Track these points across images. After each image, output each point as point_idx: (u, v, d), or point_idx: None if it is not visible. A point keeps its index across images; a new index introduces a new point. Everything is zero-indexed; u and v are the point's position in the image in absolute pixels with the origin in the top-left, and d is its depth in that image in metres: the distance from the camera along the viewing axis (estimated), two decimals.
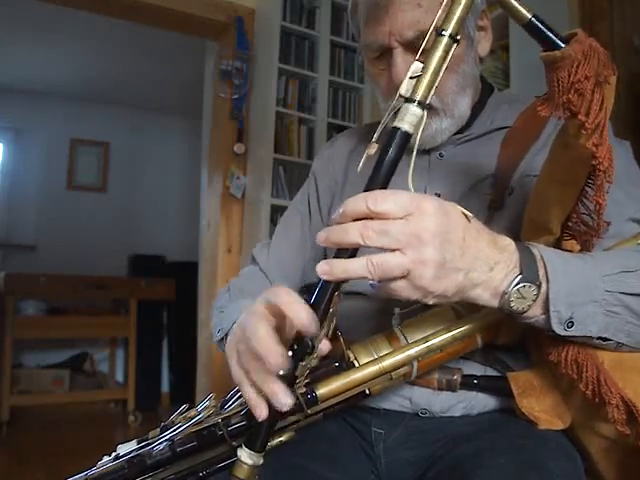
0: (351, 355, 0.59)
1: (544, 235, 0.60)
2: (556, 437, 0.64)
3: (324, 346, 0.52)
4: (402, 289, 0.48)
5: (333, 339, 0.59)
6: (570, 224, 0.59)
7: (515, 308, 0.52)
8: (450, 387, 0.68)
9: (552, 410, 0.63)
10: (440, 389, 0.69)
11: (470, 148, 0.79)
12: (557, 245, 0.60)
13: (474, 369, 0.69)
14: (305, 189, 0.96)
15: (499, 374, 0.68)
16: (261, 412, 0.51)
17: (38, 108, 4.13)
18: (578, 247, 0.60)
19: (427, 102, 0.50)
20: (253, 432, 0.53)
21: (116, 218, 4.34)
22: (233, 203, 2.60)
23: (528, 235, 0.62)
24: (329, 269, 0.48)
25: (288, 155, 2.58)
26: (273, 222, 2.43)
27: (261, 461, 0.53)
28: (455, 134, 0.79)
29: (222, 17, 2.58)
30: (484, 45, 0.79)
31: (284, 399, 0.49)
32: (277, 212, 2.45)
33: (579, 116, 0.51)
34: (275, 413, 0.51)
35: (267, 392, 0.50)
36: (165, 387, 3.95)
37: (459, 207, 0.50)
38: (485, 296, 0.52)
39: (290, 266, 0.90)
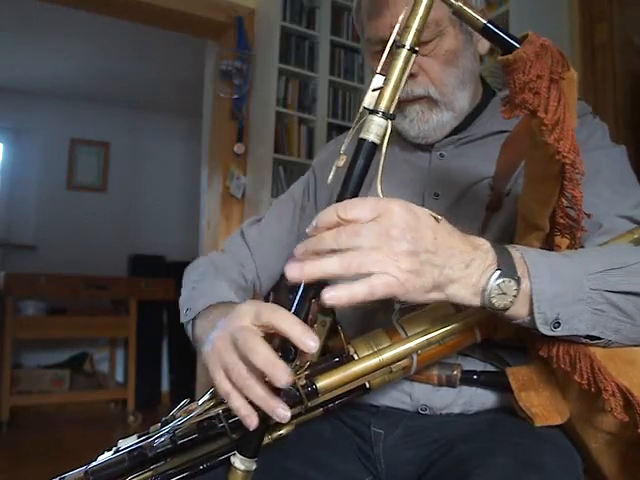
0: (351, 349, 0.60)
1: (535, 231, 0.61)
2: (554, 436, 0.64)
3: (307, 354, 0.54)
4: (380, 287, 0.47)
5: (334, 335, 0.60)
6: (557, 219, 0.59)
7: (497, 305, 0.52)
8: (450, 383, 0.68)
9: (551, 404, 0.63)
10: (440, 385, 0.69)
11: (470, 150, 0.79)
12: (548, 241, 0.61)
13: (474, 366, 0.70)
14: (304, 180, 0.97)
15: (498, 370, 0.69)
16: (252, 422, 0.52)
17: (38, 108, 4.13)
18: (567, 242, 0.61)
19: (390, 112, 0.52)
20: (245, 439, 0.55)
21: (116, 218, 4.34)
22: (233, 203, 2.60)
23: (521, 232, 0.63)
24: (299, 270, 0.47)
25: (288, 155, 2.58)
26: None
27: (254, 466, 0.55)
28: (455, 134, 0.80)
29: (222, 17, 2.58)
30: (483, 44, 0.80)
31: (283, 412, 0.51)
32: None
33: (538, 114, 0.52)
34: (265, 420, 0.53)
35: (265, 408, 0.51)
36: (165, 387, 3.95)
37: (427, 210, 0.51)
38: (465, 294, 0.52)
39: (277, 248, 0.92)
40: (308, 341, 0.48)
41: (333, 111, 2.72)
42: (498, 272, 0.51)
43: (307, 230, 0.50)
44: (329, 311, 0.59)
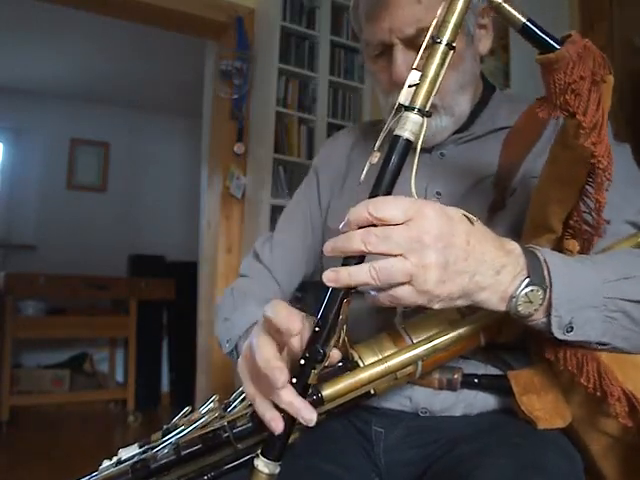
0: (355, 355, 0.59)
1: (545, 234, 0.60)
2: (555, 437, 0.64)
3: (335, 354, 0.53)
4: (407, 295, 0.48)
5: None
6: (572, 222, 0.59)
7: (522, 312, 0.52)
8: (451, 386, 0.68)
9: (552, 408, 0.63)
10: (441, 388, 0.69)
11: (472, 148, 0.79)
12: (558, 244, 0.61)
13: (475, 368, 0.69)
14: (305, 184, 0.96)
15: (500, 372, 0.68)
16: (277, 426, 0.51)
17: (38, 108, 4.12)
18: (578, 246, 0.60)
19: (426, 109, 0.50)
20: (270, 442, 0.54)
21: (116, 218, 4.33)
22: (233, 203, 2.60)
23: (530, 234, 0.62)
24: (335, 276, 0.48)
25: (288, 155, 2.57)
26: (273, 222, 2.43)
27: (278, 469, 0.54)
28: (456, 133, 0.79)
29: (222, 17, 2.58)
30: (485, 43, 0.79)
31: (309, 415, 0.50)
32: (277, 212, 2.44)
33: (577, 116, 0.51)
34: (290, 424, 0.52)
35: (290, 411, 0.51)
36: (165, 387, 3.95)
37: (462, 211, 0.50)
38: (493, 300, 0.51)
39: (293, 261, 0.90)
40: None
41: (333, 111, 2.71)
42: (527, 280, 0.51)
43: (340, 227, 0.50)
44: None
